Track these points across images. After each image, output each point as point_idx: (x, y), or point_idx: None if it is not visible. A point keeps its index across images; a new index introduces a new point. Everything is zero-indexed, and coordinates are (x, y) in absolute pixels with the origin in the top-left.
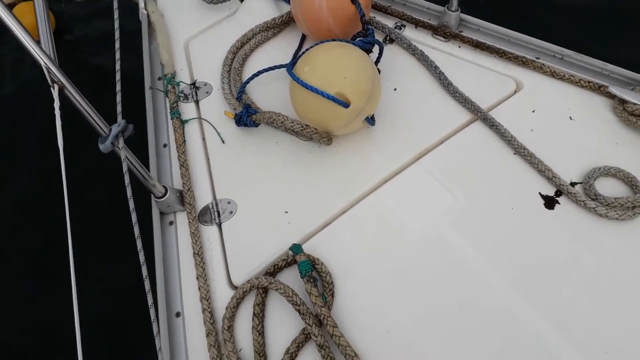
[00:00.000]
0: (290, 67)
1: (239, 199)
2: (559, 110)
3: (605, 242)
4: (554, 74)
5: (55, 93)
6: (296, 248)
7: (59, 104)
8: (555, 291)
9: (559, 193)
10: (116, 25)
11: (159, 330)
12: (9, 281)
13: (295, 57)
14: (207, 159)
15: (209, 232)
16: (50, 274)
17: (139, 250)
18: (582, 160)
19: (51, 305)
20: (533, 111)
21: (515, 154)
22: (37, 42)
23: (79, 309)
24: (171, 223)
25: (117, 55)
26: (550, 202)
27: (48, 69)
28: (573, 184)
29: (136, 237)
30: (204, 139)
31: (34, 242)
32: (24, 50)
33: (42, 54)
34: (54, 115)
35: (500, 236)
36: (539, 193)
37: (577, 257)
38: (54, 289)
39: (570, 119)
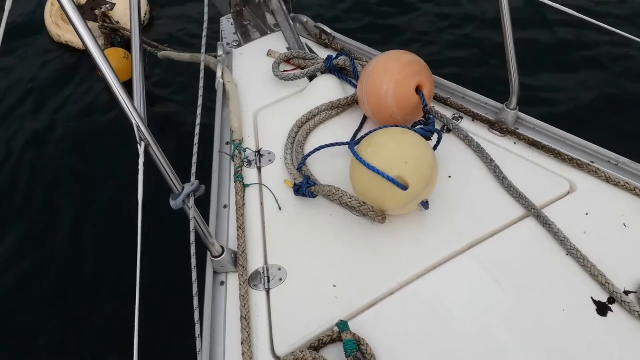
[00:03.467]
0: (353, 145)
1: (289, 267)
2: (613, 216)
3: None
4: (608, 180)
5: (141, 150)
6: (343, 325)
7: (143, 160)
8: None
9: (612, 300)
10: (200, 93)
11: None
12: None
13: (356, 136)
14: (263, 224)
15: (257, 297)
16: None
17: (195, 308)
18: (636, 269)
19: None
20: (587, 214)
21: (567, 254)
22: (131, 100)
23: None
24: (222, 283)
25: (198, 120)
26: (602, 309)
27: (138, 127)
28: (627, 293)
29: (194, 295)
30: (262, 203)
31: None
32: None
33: (135, 113)
34: (137, 170)
35: (549, 338)
36: (591, 298)
37: None
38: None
39: (625, 225)
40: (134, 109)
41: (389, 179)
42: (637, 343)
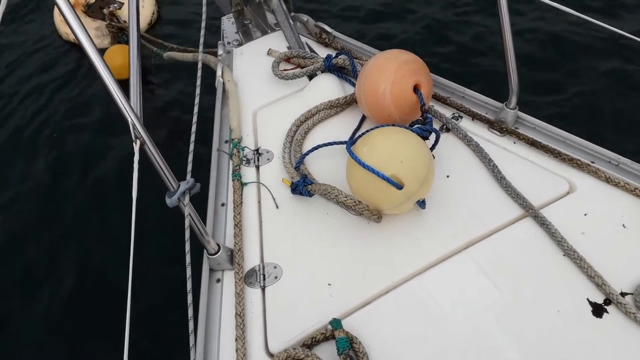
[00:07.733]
0: (349, 145)
1: (285, 265)
2: (612, 217)
3: None
4: (608, 180)
5: (136, 148)
6: (336, 323)
7: (138, 158)
8: None
9: (608, 302)
10: (197, 91)
11: None
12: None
13: (354, 136)
14: (260, 222)
15: (253, 295)
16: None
17: (189, 304)
18: (634, 270)
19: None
20: (585, 214)
21: (564, 255)
22: (127, 98)
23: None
24: (218, 280)
25: (194, 119)
26: (598, 310)
27: (134, 125)
28: (623, 294)
29: (188, 291)
30: (259, 202)
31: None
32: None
33: (130, 111)
34: (132, 167)
35: (543, 339)
36: (587, 299)
37: None
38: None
39: (624, 226)
40: (130, 107)
41: (383, 177)
42: (631, 344)
